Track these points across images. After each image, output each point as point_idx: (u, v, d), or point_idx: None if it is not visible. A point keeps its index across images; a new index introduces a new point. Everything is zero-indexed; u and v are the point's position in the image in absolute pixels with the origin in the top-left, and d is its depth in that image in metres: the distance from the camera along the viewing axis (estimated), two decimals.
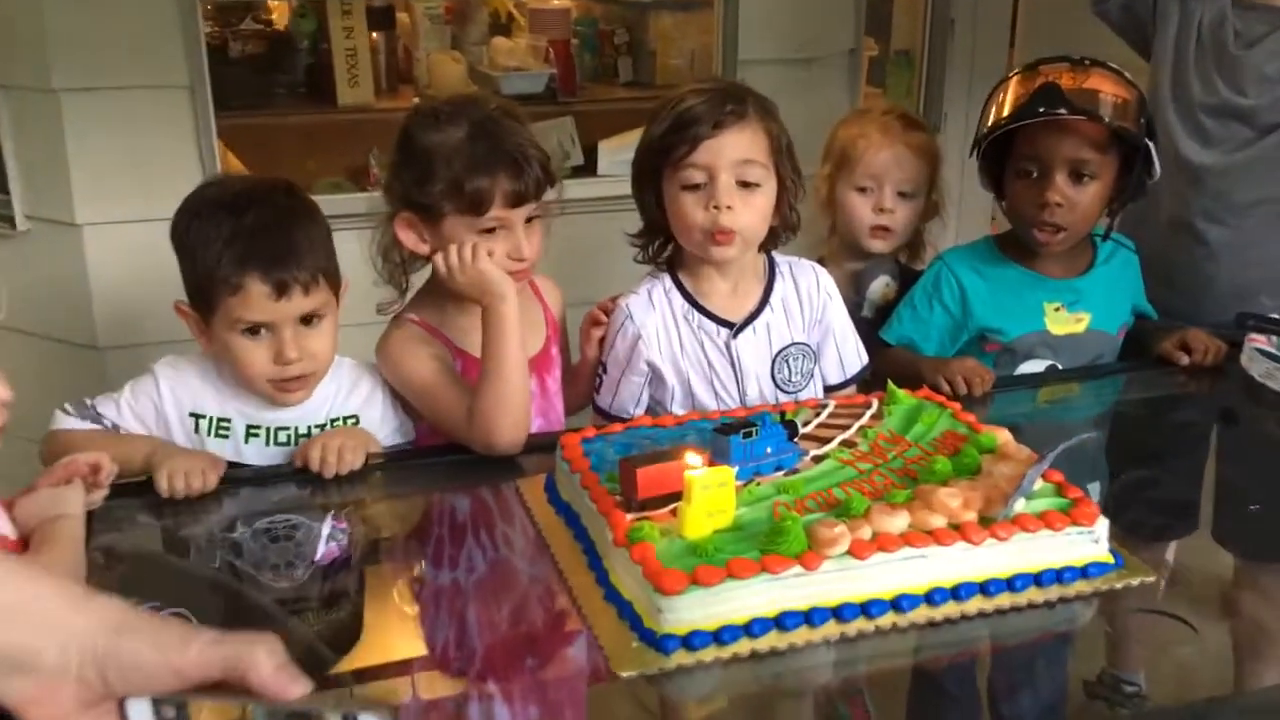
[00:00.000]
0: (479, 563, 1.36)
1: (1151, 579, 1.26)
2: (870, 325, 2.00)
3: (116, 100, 2.48)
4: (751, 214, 1.64)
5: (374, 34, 3.19)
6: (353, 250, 1.82)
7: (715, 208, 1.61)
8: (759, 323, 1.73)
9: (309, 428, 1.60)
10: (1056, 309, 1.89)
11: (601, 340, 1.76)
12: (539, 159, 1.62)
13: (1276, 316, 1.79)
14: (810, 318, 1.76)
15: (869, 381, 1.80)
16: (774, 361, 1.73)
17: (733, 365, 1.72)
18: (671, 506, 1.24)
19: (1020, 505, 1.24)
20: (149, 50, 2.54)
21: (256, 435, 1.59)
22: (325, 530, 1.35)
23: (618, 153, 3.16)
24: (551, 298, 1.85)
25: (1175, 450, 1.81)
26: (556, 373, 1.81)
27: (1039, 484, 1.27)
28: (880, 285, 2.09)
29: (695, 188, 1.62)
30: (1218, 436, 1.83)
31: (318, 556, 1.31)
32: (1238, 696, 1.20)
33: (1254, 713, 1.22)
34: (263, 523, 1.43)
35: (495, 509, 1.51)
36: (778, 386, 1.74)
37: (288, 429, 1.60)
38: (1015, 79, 1.86)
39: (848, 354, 1.79)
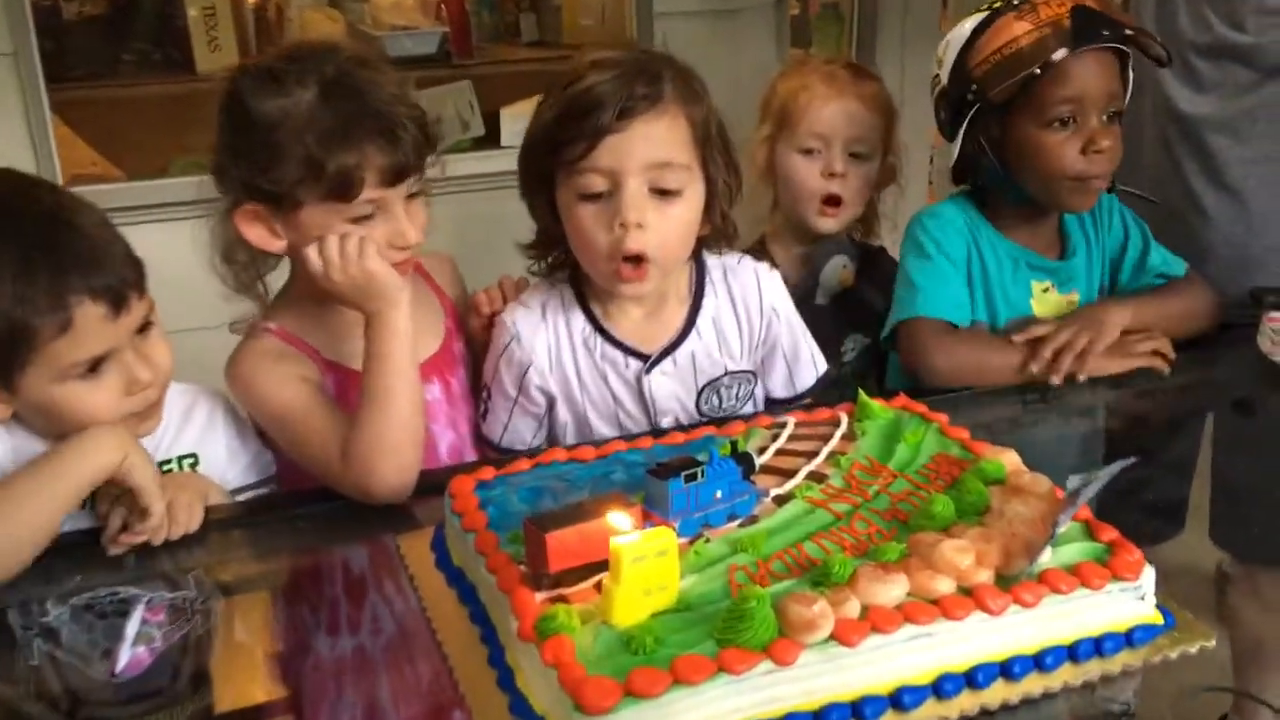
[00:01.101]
0: (345, 654, 1.04)
1: (1212, 643, 0.99)
2: (830, 315, 1.72)
3: None
4: (668, 230, 1.30)
5: None
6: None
7: (622, 225, 1.27)
8: (680, 353, 1.40)
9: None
10: (1045, 289, 1.62)
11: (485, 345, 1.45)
12: (414, 118, 1.28)
13: None
14: (750, 339, 1.44)
15: (916, 389, 1.45)
16: (700, 393, 1.42)
17: (644, 402, 1.41)
18: (595, 580, 0.94)
19: (1047, 557, 0.96)
20: None
21: None
22: (131, 628, 1.01)
23: (523, 120, 2.82)
24: (445, 279, 1.53)
25: (1170, 445, 1.56)
26: (462, 372, 1.49)
27: (1068, 525, 0.98)
28: (836, 268, 1.78)
29: (595, 197, 1.29)
30: (1228, 428, 1.57)
31: (119, 666, 0.97)
32: None
33: None
34: (83, 598, 1.10)
35: (370, 577, 1.19)
36: (702, 415, 1.43)
37: None
38: (1011, 17, 1.51)
39: (800, 369, 1.48)
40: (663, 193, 1.29)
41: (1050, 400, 1.51)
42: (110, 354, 1.18)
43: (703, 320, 1.41)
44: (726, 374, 1.42)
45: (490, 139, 2.82)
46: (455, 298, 1.53)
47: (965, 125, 1.57)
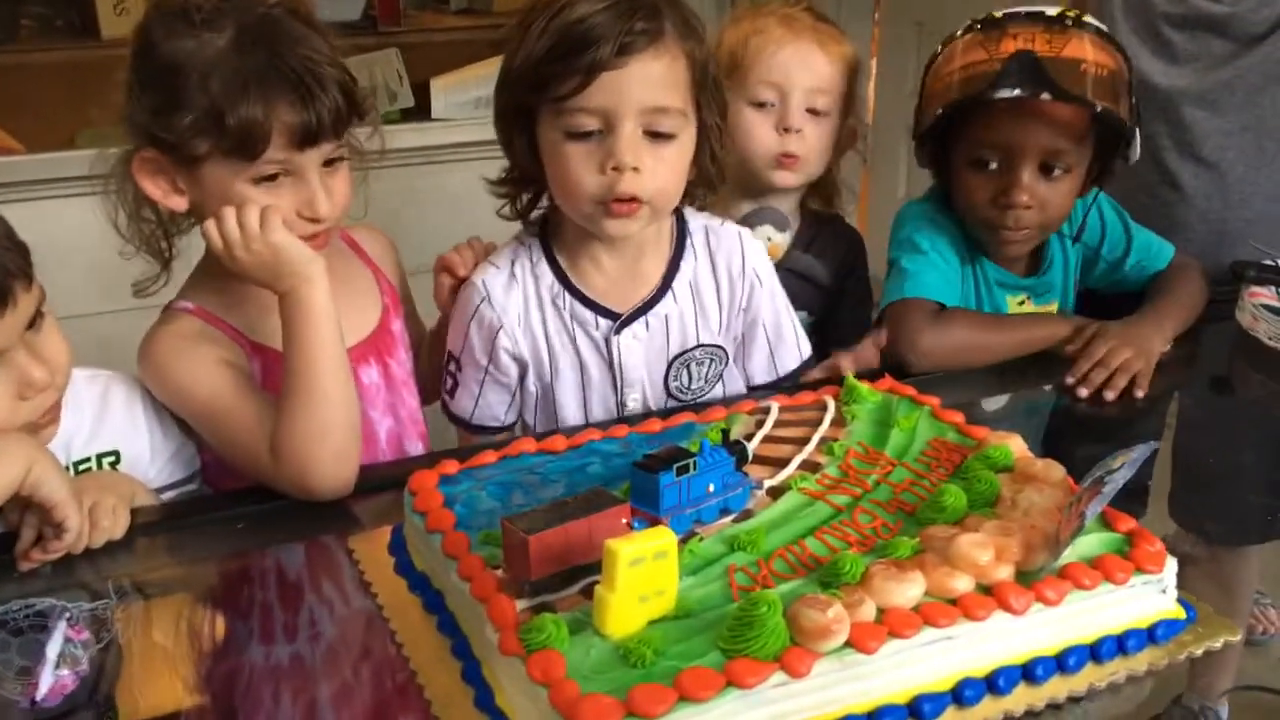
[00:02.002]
0: (296, 670, 0.93)
1: (1237, 637, 0.93)
2: None
3: None
4: (665, 174, 1.23)
5: None
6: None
7: (615, 169, 1.19)
8: (654, 315, 1.33)
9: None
10: (1021, 303, 1.56)
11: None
12: (338, 79, 1.16)
13: (1276, 263, 1.49)
14: (730, 306, 1.36)
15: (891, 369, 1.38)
16: (670, 366, 1.34)
17: (611, 368, 1.32)
18: (583, 585, 0.84)
19: (1068, 552, 0.89)
20: None
21: None
22: (53, 649, 0.88)
23: (454, 92, 2.72)
24: (378, 252, 1.41)
25: (1140, 423, 1.52)
26: (403, 354, 1.38)
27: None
28: (761, 238, 1.57)
29: (585, 136, 1.20)
30: (1194, 406, 1.52)
31: (41, 693, 0.85)
32: None
33: None
34: None
35: (321, 585, 1.07)
36: (671, 395, 1.35)
37: None
38: (970, 39, 1.46)
39: (784, 350, 1.41)
40: (656, 135, 1.21)
41: (1020, 379, 1.46)
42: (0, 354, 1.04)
43: (679, 283, 1.33)
44: (699, 346, 1.34)
45: (420, 111, 2.69)
46: (391, 274, 1.42)
47: (922, 138, 1.52)
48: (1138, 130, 1.46)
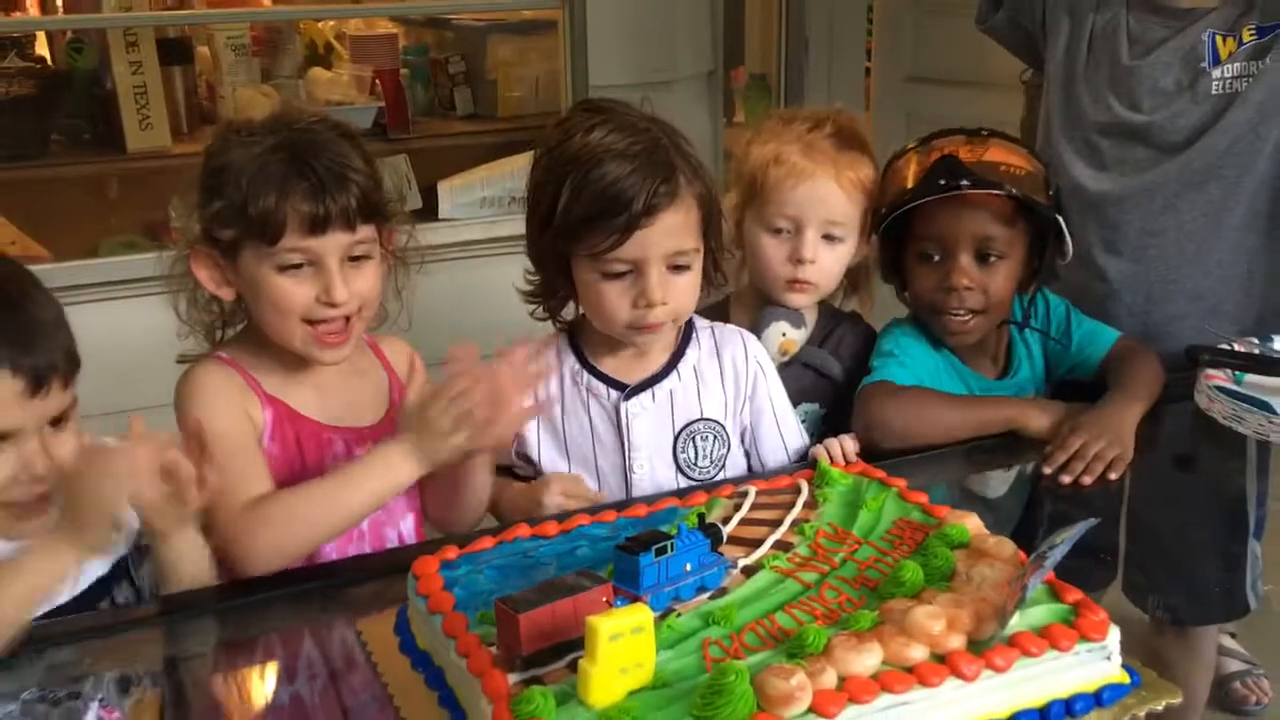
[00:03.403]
0: None
1: (1178, 700, 1.00)
2: (786, 382, 1.63)
3: None
4: (683, 298, 1.41)
5: (168, 69, 2.78)
6: (154, 319, 1.46)
7: (647, 305, 1.37)
8: (659, 389, 1.46)
9: None
10: None
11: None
12: (360, 181, 1.29)
13: (1229, 347, 1.58)
14: (738, 395, 1.50)
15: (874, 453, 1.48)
16: (677, 438, 1.45)
17: (620, 434, 1.44)
18: (569, 660, 0.92)
19: (1015, 619, 0.96)
20: None
21: None
22: None
23: (460, 193, 2.86)
24: (399, 361, 1.51)
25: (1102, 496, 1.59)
26: None
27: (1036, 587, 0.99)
28: (775, 334, 1.66)
29: (619, 276, 1.37)
30: (1149, 486, 1.59)
31: None
32: None
33: None
34: (34, 692, 1.05)
35: (332, 664, 1.15)
36: (680, 470, 1.46)
37: None
38: (909, 155, 1.63)
39: (789, 433, 1.53)
40: (676, 268, 1.38)
41: (993, 458, 1.54)
42: (15, 434, 1.14)
43: (684, 366, 1.48)
44: (702, 419, 1.47)
45: (428, 211, 2.82)
46: (406, 383, 1.52)
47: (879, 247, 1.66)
48: (1064, 225, 1.58)
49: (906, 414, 1.53)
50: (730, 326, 1.55)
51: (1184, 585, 1.52)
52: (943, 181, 1.53)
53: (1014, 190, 1.54)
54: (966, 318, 1.59)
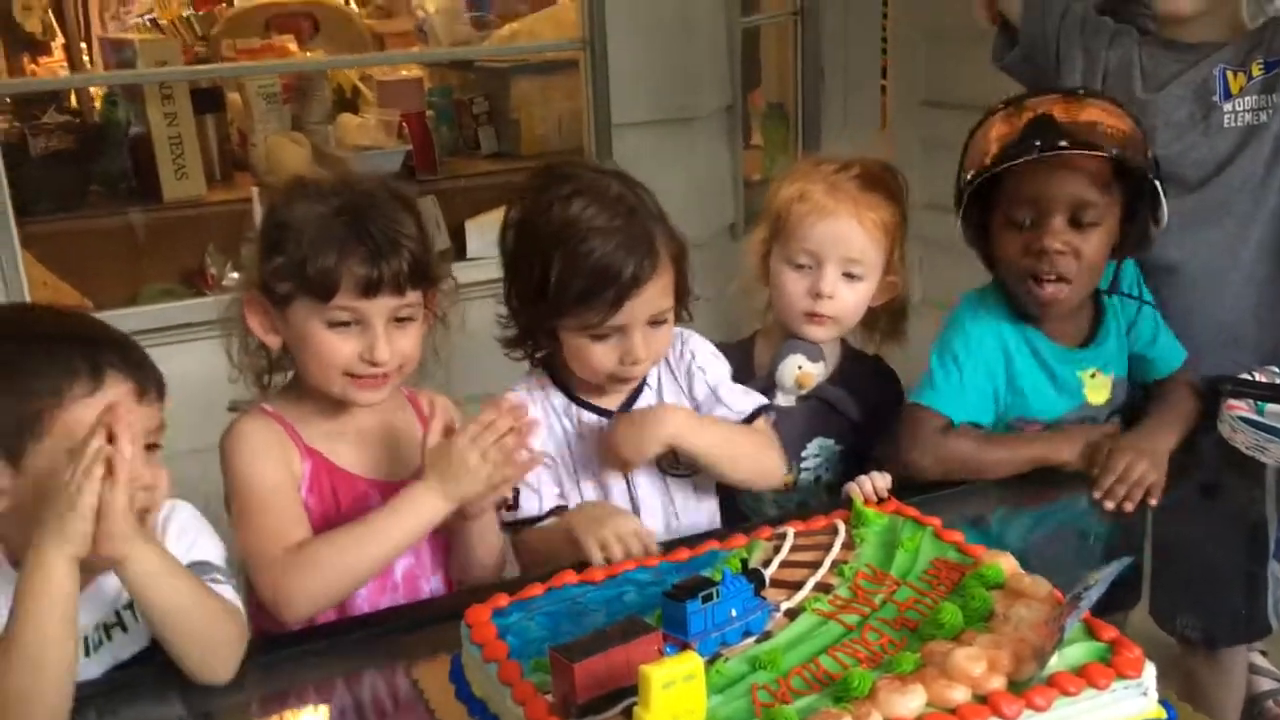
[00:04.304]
0: None
1: None
2: (794, 416, 1.69)
3: None
4: (661, 346, 1.51)
5: (201, 118, 2.85)
6: (189, 366, 1.50)
7: (633, 362, 1.46)
8: (638, 406, 1.54)
9: (115, 611, 1.26)
10: (1093, 375, 1.67)
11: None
12: (412, 249, 1.34)
13: (1251, 377, 1.61)
14: (687, 387, 1.58)
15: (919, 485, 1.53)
16: None
17: None
18: (623, 706, 0.95)
19: (1055, 660, 1.00)
20: None
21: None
22: None
23: (488, 232, 2.91)
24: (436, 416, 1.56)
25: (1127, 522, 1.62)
26: None
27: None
28: (791, 367, 1.70)
29: (604, 337, 1.45)
30: (1174, 513, 1.62)
31: None
32: None
33: None
34: None
35: (388, 707, 1.19)
36: (664, 471, 1.54)
37: (101, 620, 1.24)
38: (998, 117, 1.62)
39: (736, 403, 1.56)
40: (655, 324, 1.46)
41: (1023, 490, 1.58)
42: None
43: (649, 378, 1.56)
44: None
45: (456, 250, 2.88)
46: None
47: (961, 217, 1.65)
48: (1161, 189, 1.57)
49: (949, 457, 1.58)
50: (680, 332, 1.59)
51: (1208, 608, 1.55)
52: (1038, 142, 1.52)
53: (1114, 150, 1.53)
54: (1058, 285, 1.58)
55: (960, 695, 0.95)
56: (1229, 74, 1.78)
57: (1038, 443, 1.63)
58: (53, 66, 3.92)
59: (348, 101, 3.31)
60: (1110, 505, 1.51)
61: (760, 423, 1.56)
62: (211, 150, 2.89)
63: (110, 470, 1.08)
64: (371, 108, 3.21)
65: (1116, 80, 1.87)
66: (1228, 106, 1.77)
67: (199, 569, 1.28)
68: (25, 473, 1.15)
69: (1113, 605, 1.34)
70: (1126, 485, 1.52)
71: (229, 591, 1.28)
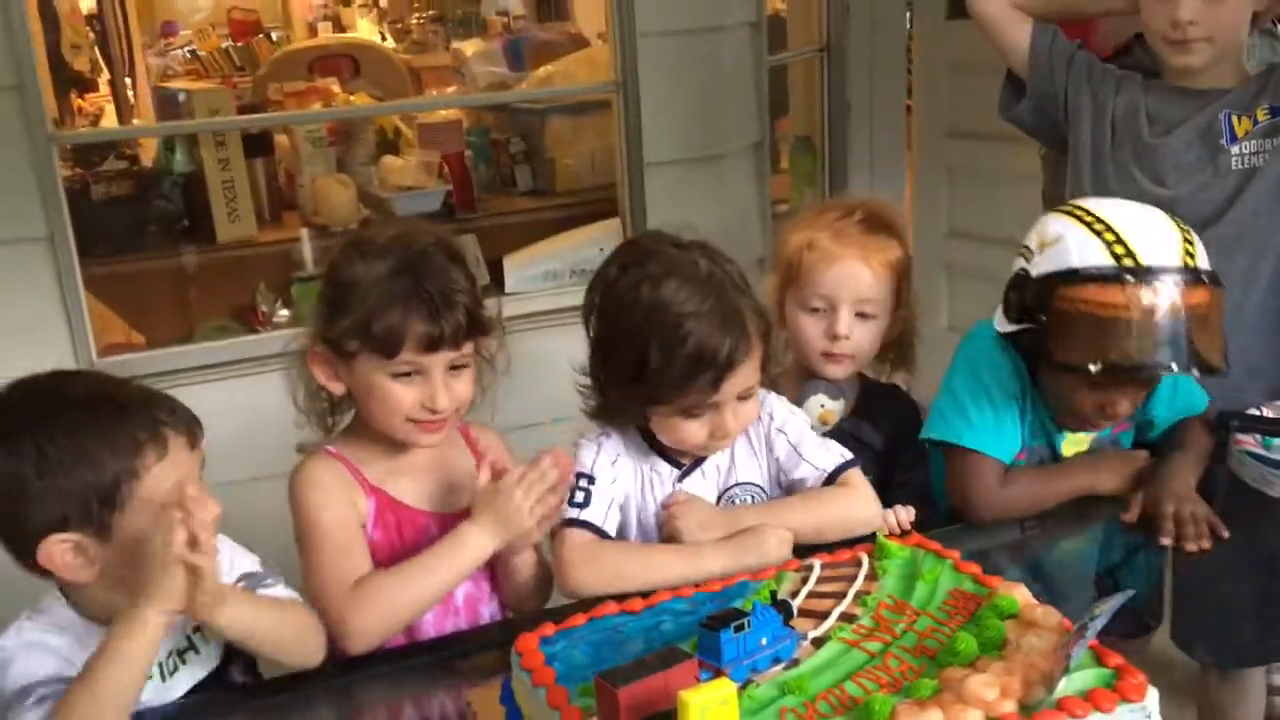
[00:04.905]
0: None
1: None
2: None
3: None
4: (747, 418, 1.55)
5: (251, 161, 2.98)
6: (239, 400, 1.60)
7: (724, 436, 1.52)
8: (708, 465, 1.61)
9: (186, 636, 1.36)
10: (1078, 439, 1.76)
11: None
12: (467, 304, 1.45)
13: (1258, 413, 1.68)
14: (764, 454, 1.63)
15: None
16: (719, 500, 1.60)
17: None
18: None
19: (1063, 685, 1.07)
20: (1, 202, 2.31)
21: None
22: None
23: (525, 267, 3.03)
24: (489, 450, 1.65)
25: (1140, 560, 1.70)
26: None
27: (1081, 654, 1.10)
28: (814, 406, 1.80)
29: (697, 415, 1.50)
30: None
31: None
32: None
33: None
34: None
35: None
36: None
37: (174, 646, 1.35)
38: (1115, 290, 1.54)
39: (820, 460, 1.61)
40: (743, 398, 1.51)
41: (1039, 528, 1.67)
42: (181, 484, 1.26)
43: None
44: (739, 484, 1.61)
45: (495, 286, 2.98)
46: None
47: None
48: None
49: (1013, 505, 1.66)
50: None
51: (1225, 631, 1.60)
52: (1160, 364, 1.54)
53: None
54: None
55: (974, 718, 1.03)
56: (1234, 118, 1.87)
57: (1084, 474, 1.71)
58: (99, 103, 4.07)
59: (390, 143, 3.43)
60: (1191, 548, 1.58)
61: (850, 475, 1.60)
62: (261, 192, 3.02)
63: (195, 542, 1.18)
64: (413, 149, 3.32)
65: (1124, 126, 1.95)
66: (1234, 149, 1.85)
67: (251, 580, 1.40)
68: (111, 542, 1.24)
69: (1136, 630, 1.43)
70: (1188, 526, 1.59)
71: (283, 589, 1.42)
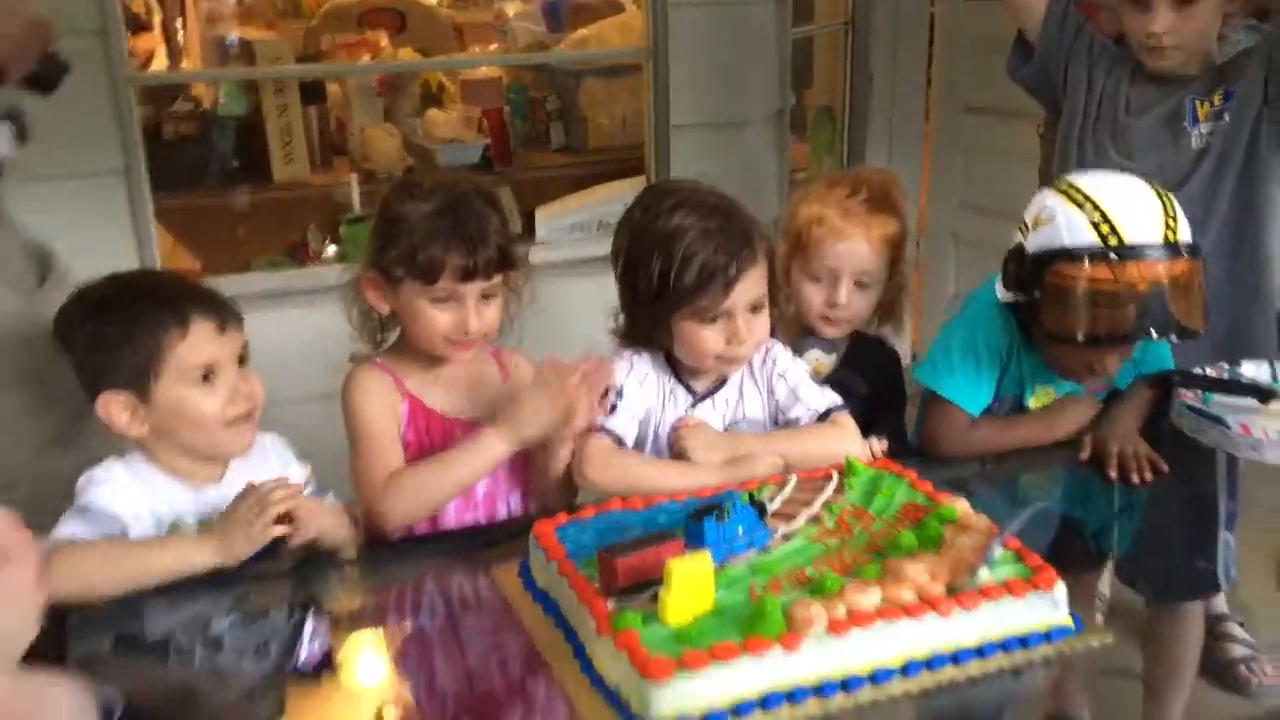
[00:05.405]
0: (458, 650, 1.38)
1: (1110, 640, 1.32)
2: None
3: (55, 188, 2.45)
4: (762, 332, 1.73)
5: (306, 109, 3.20)
6: (290, 328, 1.81)
7: (738, 342, 1.69)
8: (719, 397, 1.81)
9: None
10: (1045, 391, 1.96)
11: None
12: (499, 241, 1.67)
13: (1201, 372, 1.88)
14: (766, 395, 1.82)
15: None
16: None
17: None
18: (651, 593, 1.27)
19: (984, 575, 1.30)
20: (83, 138, 2.53)
21: (206, 525, 1.54)
22: (308, 631, 1.36)
23: (555, 219, 3.23)
24: (518, 373, 1.87)
25: (1094, 498, 1.90)
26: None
27: (1000, 552, 1.32)
28: (810, 359, 2.02)
29: (713, 321, 1.68)
30: (1150, 483, 1.89)
31: (300, 661, 1.32)
32: None
33: None
34: (236, 617, 1.45)
35: (471, 596, 1.53)
36: None
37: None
38: (1105, 268, 1.72)
39: (814, 401, 1.81)
40: (755, 310, 1.70)
41: (1003, 466, 1.89)
42: (217, 365, 1.53)
43: (733, 376, 1.81)
44: (743, 418, 1.81)
45: (527, 234, 3.19)
46: None
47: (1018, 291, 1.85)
48: None
49: (972, 449, 1.88)
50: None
51: (1164, 568, 1.80)
52: (1139, 327, 1.71)
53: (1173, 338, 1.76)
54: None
55: (908, 595, 1.26)
56: (1197, 103, 2.09)
57: (1041, 424, 1.92)
58: (151, 45, 4.28)
59: (434, 96, 3.62)
60: (1133, 480, 1.79)
61: (839, 416, 1.78)
62: (314, 137, 3.23)
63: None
64: (455, 104, 3.52)
65: (1107, 103, 2.16)
66: (1194, 130, 2.07)
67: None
68: (153, 404, 1.51)
69: (1082, 566, 1.63)
70: (1130, 462, 1.80)
71: (332, 497, 1.67)
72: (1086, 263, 1.71)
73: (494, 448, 1.64)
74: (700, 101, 3.16)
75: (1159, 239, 1.72)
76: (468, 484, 1.69)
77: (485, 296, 1.69)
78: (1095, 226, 1.73)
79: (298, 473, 1.65)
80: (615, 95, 3.48)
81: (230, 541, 1.44)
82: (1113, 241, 1.71)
